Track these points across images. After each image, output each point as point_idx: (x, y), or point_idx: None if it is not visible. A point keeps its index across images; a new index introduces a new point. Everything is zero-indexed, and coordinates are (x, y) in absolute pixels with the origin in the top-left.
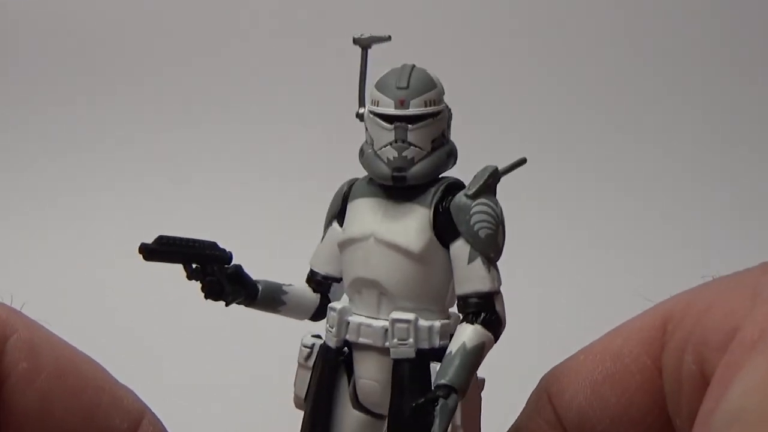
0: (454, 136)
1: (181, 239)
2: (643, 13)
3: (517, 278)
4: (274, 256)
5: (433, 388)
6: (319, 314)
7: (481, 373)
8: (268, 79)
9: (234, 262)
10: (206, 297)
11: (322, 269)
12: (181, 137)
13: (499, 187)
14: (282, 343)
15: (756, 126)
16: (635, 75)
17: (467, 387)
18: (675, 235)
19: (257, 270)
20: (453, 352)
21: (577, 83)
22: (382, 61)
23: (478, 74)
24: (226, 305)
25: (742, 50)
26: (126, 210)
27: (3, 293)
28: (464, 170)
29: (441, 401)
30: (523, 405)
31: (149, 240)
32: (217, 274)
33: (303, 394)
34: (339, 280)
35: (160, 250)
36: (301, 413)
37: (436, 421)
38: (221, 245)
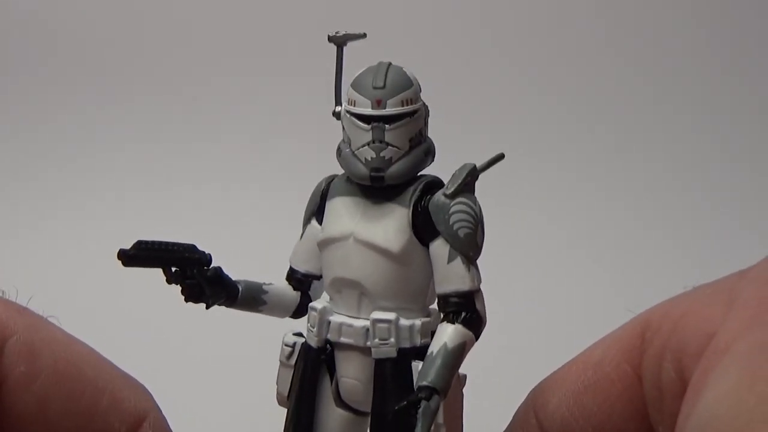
0: (432, 132)
1: (159, 243)
2: (626, 9)
3: (512, 284)
4: (259, 254)
5: (415, 389)
6: (299, 312)
7: (474, 376)
8: (253, 82)
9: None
10: (186, 300)
11: (302, 267)
12: (180, 138)
13: (493, 189)
14: (265, 340)
15: (743, 134)
16: (621, 82)
17: (449, 387)
18: (668, 245)
19: (242, 268)
20: (434, 353)
21: (560, 84)
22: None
23: (456, 70)
24: (207, 308)
25: (728, 56)
26: (131, 207)
27: (9, 288)
28: (443, 167)
29: (423, 403)
30: (514, 407)
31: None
32: (196, 276)
33: (286, 392)
34: (319, 277)
35: (138, 255)
36: (285, 410)
37: (419, 424)
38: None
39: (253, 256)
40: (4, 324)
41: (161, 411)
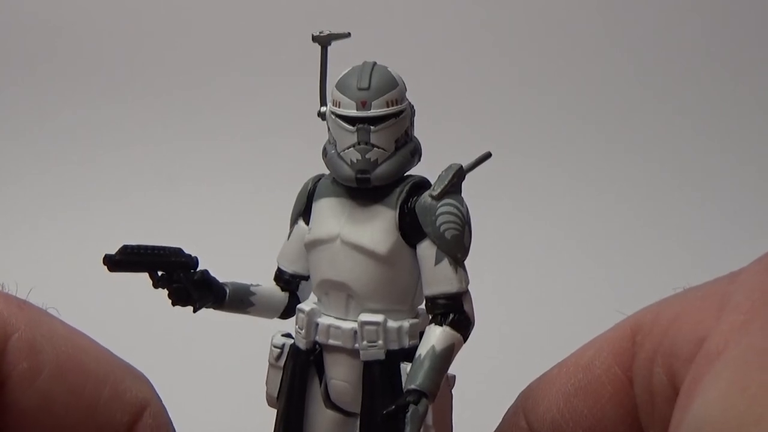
0: (419, 131)
1: (145, 247)
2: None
3: (502, 285)
4: (260, 254)
5: (403, 392)
6: (288, 312)
7: (463, 376)
8: (252, 82)
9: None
10: (173, 304)
11: (290, 267)
12: (179, 137)
13: (480, 190)
14: (255, 340)
15: (738, 133)
16: (616, 79)
17: (437, 390)
18: (658, 246)
19: (242, 268)
20: (422, 356)
21: (552, 81)
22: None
23: (445, 67)
24: (194, 311)
25: (728, 56)
26: (130, 201)
27: (8, 281)
28: (430, 166)
29: (412, 407)
30: (503, 409)
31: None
32: (183, 280)
33: (275, 393)
34: (307, 278)
35: (124, 260)
36: (275, 411)
37: (408, 428)
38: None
39: (253, 255)
40: (5, 321)
41: (161, 399)
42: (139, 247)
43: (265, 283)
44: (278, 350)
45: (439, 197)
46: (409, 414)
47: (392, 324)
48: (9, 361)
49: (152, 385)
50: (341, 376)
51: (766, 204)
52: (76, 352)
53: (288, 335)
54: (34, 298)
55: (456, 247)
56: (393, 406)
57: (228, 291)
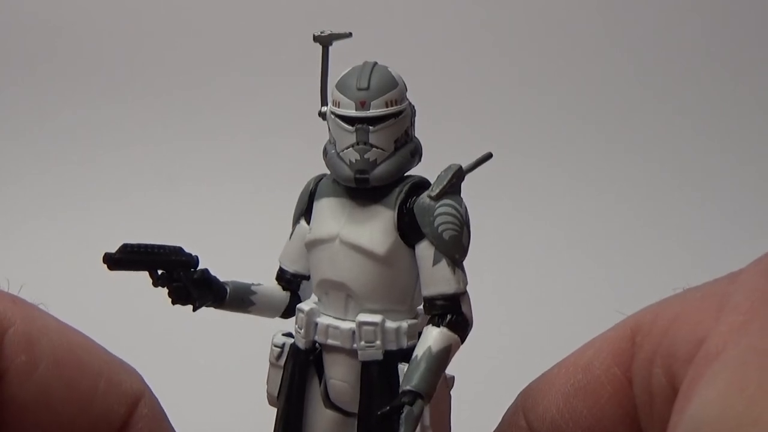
0: (419, 131)
1: (145, 246)
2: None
3: (501, 286)
4: (262, 254)
5: (399, 393)
6: (289, 312)
7: (462, 377)
8: (252, 82)
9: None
10: (173, 303)
11: (291, 267)
12: (181, 138)
13: (480, 190)
14: (256, 339)
15: (737, 133)
16: (615, 79)
17: (433, 391)
18: (658, 246)
19: (243, 268)
20: (419, 357)
21: (552, 82)
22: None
23: (450, 68)
24: (194, 310)
25: (727, 55)
26: (131, 202)
27: (8, 281)
28: (430, 166)
29: (406, 408)
30: (503, 409)
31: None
32: (183, 279)
33: (276, 392)
34: (308, 277)
35: (124, 259)
36: (275, 410)
37: (402, 429)
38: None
39: (253, 255)
40: (2, 315)
41: (152, 391)
42: (139, 245)
43: (266, 282)
44: (279, 349)
45: (437, 198)
46: (403, 415)
47: (390, 324)
48: (6, 354)
49: (143, 378)
50: (340, 376)
51: (766, 204)
52: (71, 345)
53: (289, 335)
54: (35, 299)
55: (454, 248)
56: (387, 407)
57: (228, 290)
